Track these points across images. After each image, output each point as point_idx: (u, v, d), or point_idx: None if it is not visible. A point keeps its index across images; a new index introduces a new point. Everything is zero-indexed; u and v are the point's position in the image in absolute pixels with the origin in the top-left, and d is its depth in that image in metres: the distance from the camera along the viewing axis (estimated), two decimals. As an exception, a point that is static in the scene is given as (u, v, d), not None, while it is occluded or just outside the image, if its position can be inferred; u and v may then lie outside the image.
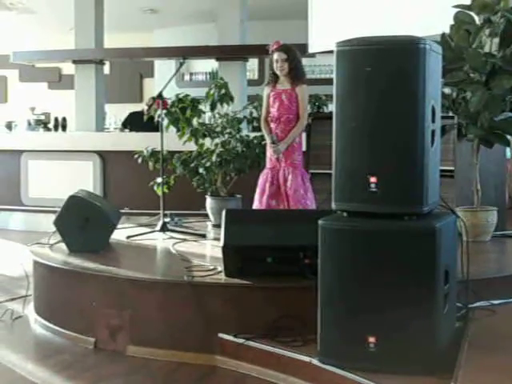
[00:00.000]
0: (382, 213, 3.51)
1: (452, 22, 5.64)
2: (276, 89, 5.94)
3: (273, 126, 5.92)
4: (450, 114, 5.73)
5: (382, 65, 3.46)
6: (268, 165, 5.99)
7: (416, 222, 3.47)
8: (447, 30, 5.62)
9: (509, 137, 5.79)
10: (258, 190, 5.96)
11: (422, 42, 3.43)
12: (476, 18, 5.59)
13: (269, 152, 5.99)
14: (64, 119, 10.92)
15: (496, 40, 5.49)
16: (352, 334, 3.53)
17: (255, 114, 7.11)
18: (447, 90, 5.64)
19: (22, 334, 5.00)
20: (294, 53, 5.92)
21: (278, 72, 5.88)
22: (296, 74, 5.88)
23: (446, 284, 3.53)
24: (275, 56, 5.88)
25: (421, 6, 7.01)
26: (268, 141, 5.93)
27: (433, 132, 3.55)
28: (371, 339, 3.48)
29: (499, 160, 6.37)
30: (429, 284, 3.41)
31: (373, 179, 3.49)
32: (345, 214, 3.63)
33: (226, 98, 6.84)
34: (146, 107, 10.18)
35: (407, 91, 3.43)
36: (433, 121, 3.54)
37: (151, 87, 13.43)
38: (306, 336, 3.95)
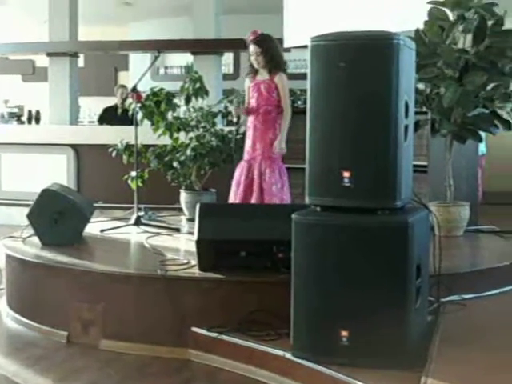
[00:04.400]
0: (355, 207, 3.53)
1: (426, 18, 5.66)
2: (256, 80, 5.93)
3: (253, 118, 5.91)
4: (424, 109, 5.75)
5: (356, 60, 3.47)
6: (245, 157, 5.97)
7: (389, 216, 3.50)
8: (421, 26, 5.65)
9: (482, 133, 5.84)
10: (233, 182, 5.96)
11: (396, 38, 3.45)
12: (450, 14, 5.62)
13: (246, 144, 5.98)
14: (38, 112, 10.89)
15: (469, 36, 5.53)
16: (325, 327, 3.55)
17: (230, 109, 7.10)
18: (421, 86, 5.66)
19: (-6, 327, 4.98)
20: (269, 44, 5.86)
21: (254, 65, 5.88)
22: (273, 65, 5.86)
23: (417, 278, 3.55)
24: (250, 48, 5.85)
25: (395, 2, 7.03)
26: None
27: (406, 127, 3.57)
28: (344, 333, 3.50)
29: (472, 155, 6.42)
30: (401, 278, 3.43)
31: (346, 174, 3.51)
32: (318, 209, 3.64)
33: (201, 91, 6.83)
34: (118, 99, 10.20)
35: (381, 86, 3.45)
36: (406, 116, 3.56)
37: (126, 80, 13.36)
38: (279, 330, 3.97)
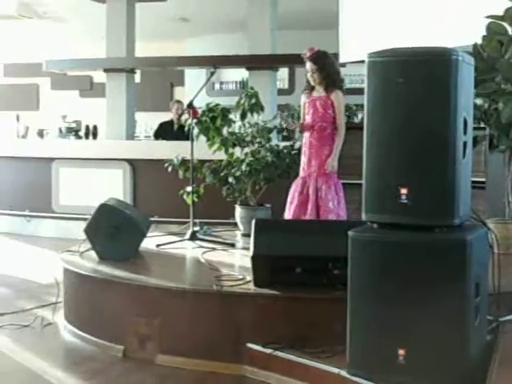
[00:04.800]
0: (412, 224, 3.49)
1: (484, 33, 5.60)
2: (312, 96, 5.93)
3: (308, 134, 5.91)
4: (482, 125, 5.69)
5: (414, 76, 3.44)
6: (301, 174, 5.98)
7: (447, 234, 3.45)
8: (479, 41, 5.59)
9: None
10: (288, 199, 5.96)
11: (455, 54, 3.41)
12: (509, 28, 5.56)
13: (302, 160, 5.98)
14: (95, 127, 11.01)
15: (529, 51, 5.45)
16: (381, 346, 3.51)
17: (283, 124, 7.10)
18: (479, 101, 5.60)
19: (51, 340, 5.03)
20: (325, 60, 5.85)
21: (310, 82, 5.88)
22: (329, 82, 5.85)
23: (476, 297, 3.50)
24: (307, 66, 5.87)
25: (452, 17, 6.97)
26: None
27: (465, 143, 3.53)
28: (401, 352, 3.46)
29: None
30: (460, 296, 3.38)
31: (403, 190, 3.47)
32: (375, 226, 3.61)
33: (257, 107, 6.84)
34: (174, 114, 10.29)
35: (439, 102, 3.41)
36: (465, 132, 3.52)
37: (181, 95, 13.47)
38: (334, 347, 3.93)
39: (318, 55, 5.85)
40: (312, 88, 5.93)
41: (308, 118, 5.92)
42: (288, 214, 5.92)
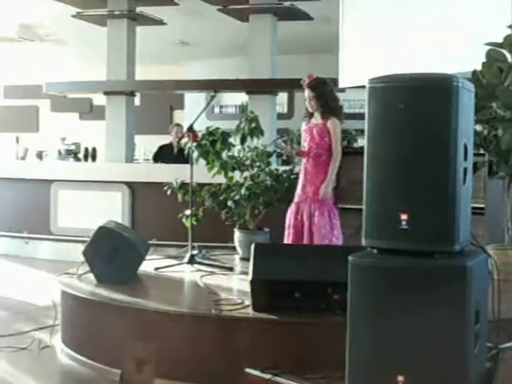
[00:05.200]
0: (412, 250, 3.48)
1: (483, 60, 5.63)
2: (310, 123, 5.98)
3: (305, 160, 5.95)
4: (481, 151, 5.70)
5: (415, 102, 3.45)
6: (295, 199, 6.02)
7: (447, 260, 3.44)
8: (479, 67, 5.61)
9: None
10: (286, 224, 6.00)
11: (455, 80, 3.42)
12: (508, 55, 5.58)
13: (297, 186, 6.01)
14: (94, 149, 11.01)
15: (528, 78, 5.47)
16: (381, 372, 3.49)
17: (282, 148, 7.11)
18: (478, 127, 5.61)
19: (48, 363, 5.01)
20: (323, 88, 5.91)
21: (308, 108, 5.92)
22: (326, 109, 5.89)
23: (476, 323, 3.48)
24: (305, 93, 5.92)
25: (452, 43, 7.01)
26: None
27: (465, 170, 3.53)
28: (400, 378, 3.43)
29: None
30: (459, 323, 3.36)
31: (404, 216, 3.47)
32: (375, 251, 3.61)
33: (257, 131, 6.87)
34: (173, 137, 10.30)
35: (440, 129, 3.42)
36: (465, 158, 3.52)
37: (181, 119, 13.51)
38: (333, 373, 3.92)
39: (316, 82, 5.91)
40: (311, 115, 5.96)
41: (305, 145, 5.97)
42: (287, 240, 5.95)
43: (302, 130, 6.08)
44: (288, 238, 5.96)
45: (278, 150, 6.63)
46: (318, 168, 5.93)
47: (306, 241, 5.85)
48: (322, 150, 5.89)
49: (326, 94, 5.91)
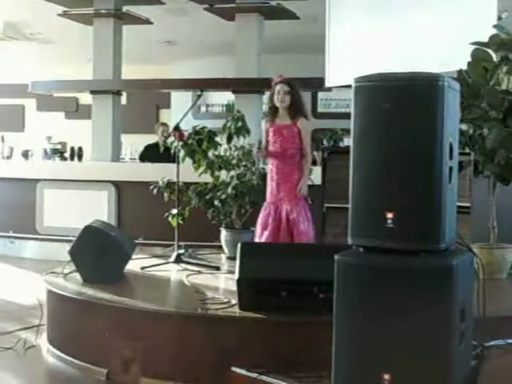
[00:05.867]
0: (398, 249, 3.49)
1: (469, 59, 5.65)
2: (276, 124, 6.01)
3: (277, 161, 5.97)
4: (467, 150, 5.72)
5: (401, 101, 3.46)
6: (269, 199, 6.04)
7: (433, 258, 3.45)
8: (464, 67, 5.63)
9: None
10: (258, 225, 6.01)
11: (441, 79, 3.43)
12: (493, 55, 5.60)
13: (269, 186, 6.03)
14: (80, 149, 10.96)
15: (513, 78, 5.50)
16: (367, 370, 3.50)
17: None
18: (464, 127, 5.64)
19: (34, 363, 4.99)
20: (297, 88, 6.03)
21: (278, 104, 5.96)
22: (297, 108, 5.95)
23: (462, 321, 3.49)
24: (278, 87, 5.97)
25: (438, 42, 7.03)
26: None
27: (450, 169, 3.54)
28: (386, 376, 3.44)
29: (515, 197, 6.34)
30: (445, 321, 3.38)
31: (390, 215, 3.48)
32: (361, 250, 3.62)
33: (243, 130, 6.87)
34: (159, 137, 10.27)
35: (425, 128, 3.43)
36: (450, 157, 3.53)
37: (167, 118, 13.49)
38: (319, 372, 3.92)
39: (292, 80, 6.03)
40: (275, 114, 5.99)
41: (277, 147, 6.00)
42: (263, 240, 5.94)
43: (265, 129, 6.10)
44: (264, 238, 5.95)
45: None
46: (293, 168, 6.01)
47: (284, 239, 5.87)
48: (296, 150, 5.97)
49: (298, 93, 6.05)
